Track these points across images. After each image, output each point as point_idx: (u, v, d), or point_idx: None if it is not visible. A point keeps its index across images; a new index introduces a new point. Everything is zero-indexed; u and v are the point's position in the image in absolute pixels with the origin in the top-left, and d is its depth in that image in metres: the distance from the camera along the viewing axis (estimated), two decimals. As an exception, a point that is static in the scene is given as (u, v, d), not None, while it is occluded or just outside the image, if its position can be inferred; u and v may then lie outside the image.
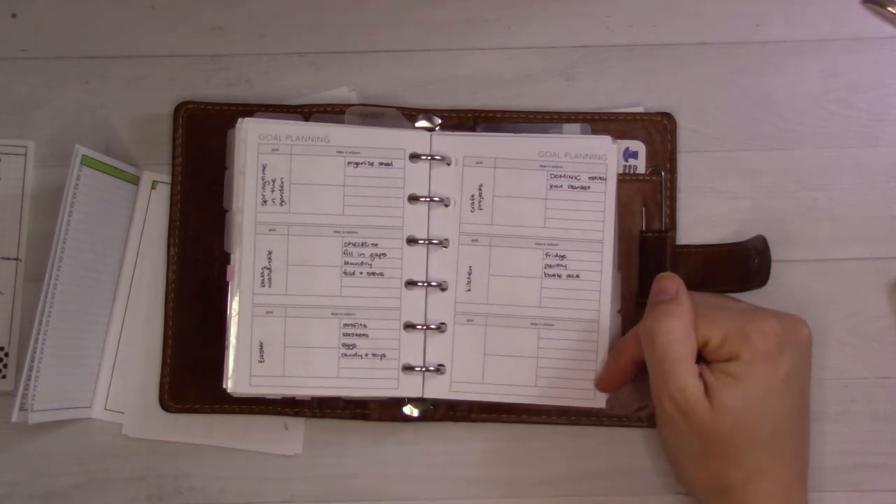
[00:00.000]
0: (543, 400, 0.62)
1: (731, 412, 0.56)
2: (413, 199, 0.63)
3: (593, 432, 0.64)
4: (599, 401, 0.62)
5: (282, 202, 0.62)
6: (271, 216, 0.62)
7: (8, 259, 0.65)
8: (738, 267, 0.63)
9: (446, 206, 0.63)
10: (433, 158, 0.63)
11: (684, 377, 0.56)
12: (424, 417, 0.64)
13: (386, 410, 0.64)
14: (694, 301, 0.58)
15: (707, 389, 0.56)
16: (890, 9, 0.65)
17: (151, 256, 0.65)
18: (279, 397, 0.63)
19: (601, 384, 0.62)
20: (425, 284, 0.63)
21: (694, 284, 0.63)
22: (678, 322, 0.57)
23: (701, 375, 0.57)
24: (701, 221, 0.65)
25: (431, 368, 0.62)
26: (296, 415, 0.64)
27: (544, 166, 0.63)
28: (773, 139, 0.65)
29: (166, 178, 0.66)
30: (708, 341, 0.57)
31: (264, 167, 0.62)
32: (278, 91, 0.66)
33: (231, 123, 0.63)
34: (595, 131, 0.65)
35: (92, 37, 0.67)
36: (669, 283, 0.59)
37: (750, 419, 0.56)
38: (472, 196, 0.63)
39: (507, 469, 0.64)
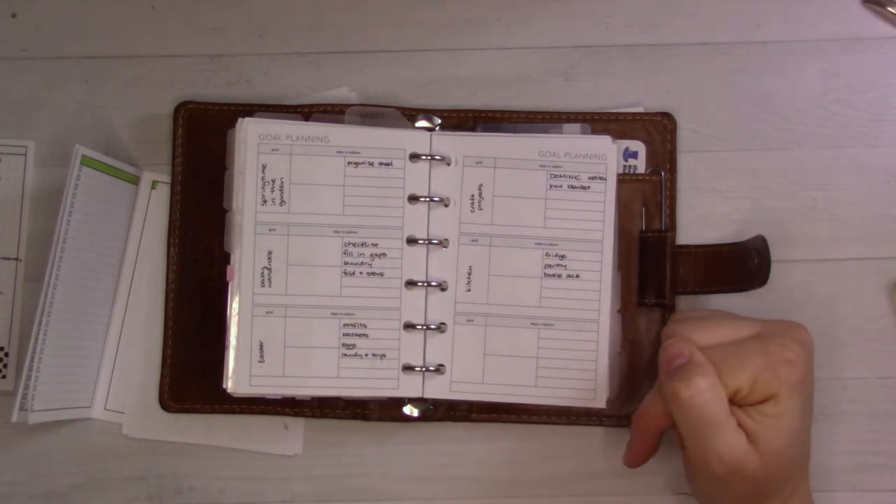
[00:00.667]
0: (543, 400, 0.62)
1: (779, 452, 0.54)
2: (413, 199, 0.63)
3: (593, 432, 0.64)
4: (599, 401, 0.62)
5: (282, 202, 0.62)
6: (271, 216, 0.62)
7: (8, 259, 0.65)
8: (738, 267, 0.63)
9: (446, 206, 0.63)
10: (433, 158, 0.63)
11: (730, 436, 0.54)
12: (424, 417, 0.63)
13: (386, 410, 0.64)
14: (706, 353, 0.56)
15: (750, 437, 0.54)
16: (890, 9, 0.65)
17: (151, 256, 0.65)
18: (279, 397, 0.63)
19: (630, 461, 0.61)
20: (425, 284, 0.63)
21: (694, 284, 0.63)
22: (706, 381, 0.54)
23: (739, 424, 0.54)
24: (701, 221, 0.65)
25: (431, 368, 0.62)
26: (296, 415, 0.64)
27: (544, 166, 0.63)
28: (773, 139, 0.65)
29: (166, 178, 0.66)
30: (738, 390, 0.54)
31: (264, 167, 0.62)
32: (278, 91, 0.66)
33: (231, 123, 0.63)
34: (595, 131, 0.64)
35: (92, 37, 0.67)
36: (681, 347, 0.56)
37: (793, 450, 0.55)
38: (472, 196, 0.63)
39: (507, 469, 0.64)
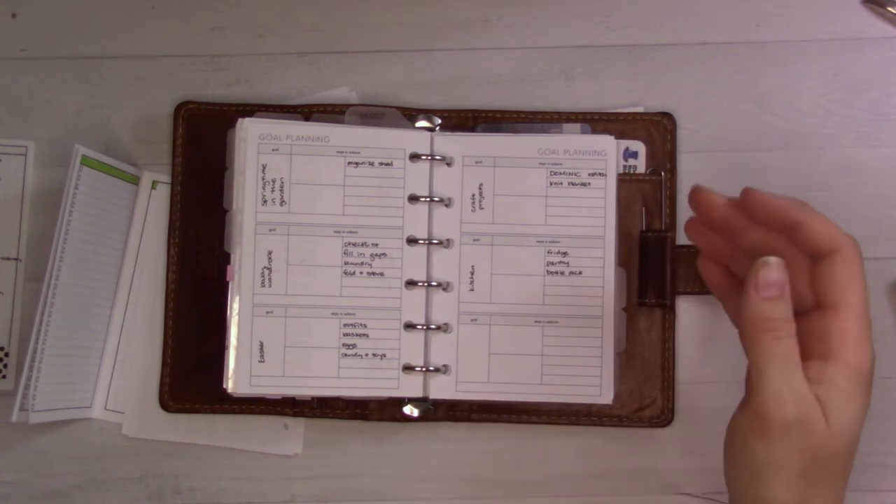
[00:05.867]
0: (549, 397, 0.62)
1: (849, 429, 0.53)
2: (413, 199, 0.63)
3: (593, 432, 0.64)
4: (606, 397, 0.62)
5: (282, 202, 0.62)
6: (271, 216, 0.62)
7: (8, 259, 0.65)
8: (738, 266, 0.63)
9: (447, 206, 0.63)
10: (433, 158, 0.63)
11: (802, 383, 0.52)
12: (424, 417, 0.63)
13: (386, 410, 0.64)
14: None
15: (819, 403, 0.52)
16: (890, 9, 0.66)
17: (151, 256, 0.65)
18: (279, 397, 0.63)
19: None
20: (425, 284, 0.63)
21: (694, 284, 0.63)
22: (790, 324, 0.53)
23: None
24: (701, 221, 0.65)
25: (432, 368, 0.62)
26: (296, 415, 0.64)
27: (544, 164, 0.63)
28: (773, 139, 0.65)
29: (166, 178, 0.66)
30: None
31: (264, 167, 0.62)
32: (278, 91, 0.66)
33: (231, 123, 0.63)
34: (595, 131, 0.65)
35: (92, 37, 0.67)
36: (784, 281, 0.53)
37: (855, 440, 0.54)
38: (473, 195, 0.63)
39: (507, 469, 0.64)
